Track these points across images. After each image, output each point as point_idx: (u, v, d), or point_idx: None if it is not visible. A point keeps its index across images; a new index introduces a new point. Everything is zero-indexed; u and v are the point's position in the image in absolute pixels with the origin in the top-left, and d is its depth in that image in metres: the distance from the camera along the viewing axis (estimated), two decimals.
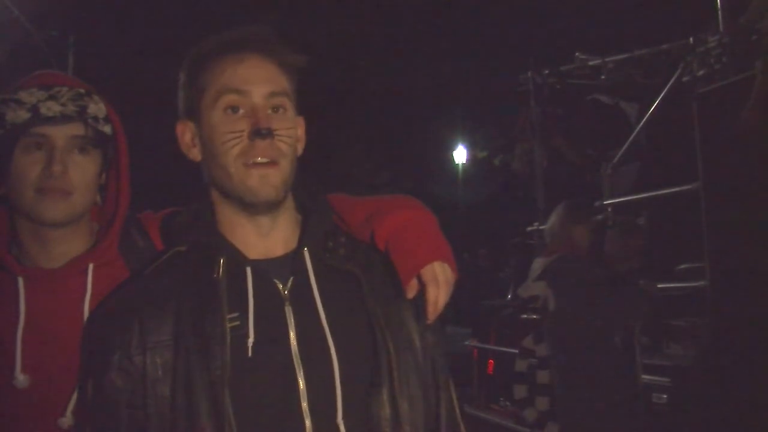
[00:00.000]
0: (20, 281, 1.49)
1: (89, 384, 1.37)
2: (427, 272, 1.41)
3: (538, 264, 4.11)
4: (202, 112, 1.38)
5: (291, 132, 1.39)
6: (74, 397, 1.46)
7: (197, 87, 1.39)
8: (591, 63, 6.35)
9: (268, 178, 1.34)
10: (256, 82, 1.36)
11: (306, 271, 1.39)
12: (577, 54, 6.45)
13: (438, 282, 1.41)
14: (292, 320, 1.35)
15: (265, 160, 1.34)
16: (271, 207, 1.38)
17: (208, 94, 1.37)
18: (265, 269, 1.38)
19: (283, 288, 1.38)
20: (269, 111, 1.37)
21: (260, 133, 1.32)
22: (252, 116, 1.35)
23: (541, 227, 6.21)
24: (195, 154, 1.42)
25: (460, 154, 19.22)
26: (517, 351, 4.78)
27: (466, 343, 7.45)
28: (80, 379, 1.42)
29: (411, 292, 1.42)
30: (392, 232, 1.46)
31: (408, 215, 1.49)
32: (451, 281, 1.44)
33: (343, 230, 1.49)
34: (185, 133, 1.42)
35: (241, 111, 1.35)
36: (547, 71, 6.62)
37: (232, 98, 1.35)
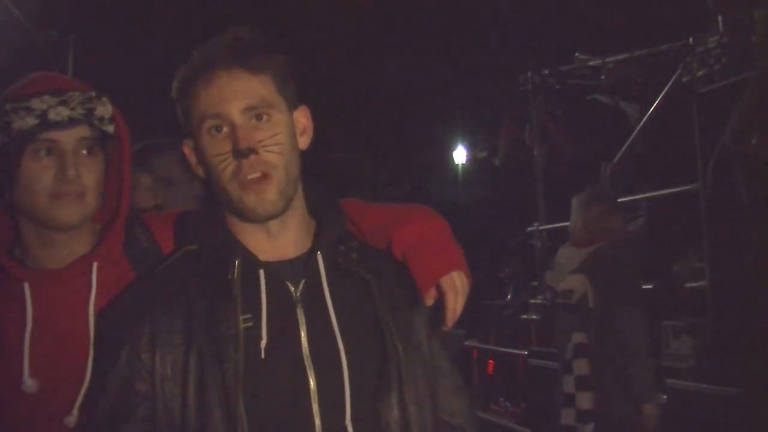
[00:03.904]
0: (26, 286, 1.49)
1: (99, 376, 1.39)
2: (446, 281, 1.46)
3: (569, 255, 3.91)
4: (195, 136, 1.41)
5: (278, 139, 1.38)
6: (81, 394, 1.46)
7: (185, 113, 1.42)
8: (591, 63, 6.35)
9: (263, 194, 1.36)
10: (229, 100, 1.36)
11: (318, 273, 1.42)
12: (577, 54, 6.45)
13: (456, 290, 1.46)
14: (304, 322, 1.38)
15: (256, 175, 1.36)
16: (274, 217, 1.40)
17: (193, 120, 1.40)
18: (277, 271, 1.40)
19: (294, 290, 1.40)
20: (253, 121, 1.37)
21: (241, 153, 1.34)
22: (233, 135, 1.36)
23: (542, 227, 6.21)
24: (201, 172, 1.44)
25: (460, 154, 19.18)
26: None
27: (467, 342, 7.45)
28: (92, 372, 1.44)
29: (430, 300, 1.47)
30: (411, 243, 1.50)
31: (426, 226, 1.54)
32: (467, 289, 1.49)
33: (355, 236, 1.52)
34: (191, 155, 1.45)
35: (224, 130, 1.37)
36: (547, 71, 6.62)
37: (211, 122, 1.37)
